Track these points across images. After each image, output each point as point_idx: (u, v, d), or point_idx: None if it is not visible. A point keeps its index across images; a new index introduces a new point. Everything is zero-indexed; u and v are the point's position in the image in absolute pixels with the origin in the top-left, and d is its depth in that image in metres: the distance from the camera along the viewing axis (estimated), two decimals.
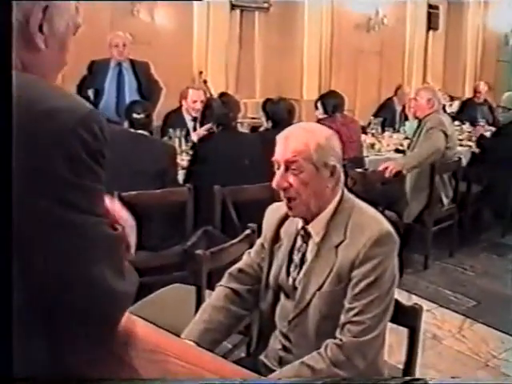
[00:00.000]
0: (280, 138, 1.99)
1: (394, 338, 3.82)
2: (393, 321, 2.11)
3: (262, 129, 4.93)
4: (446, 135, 4.85)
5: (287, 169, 1.92)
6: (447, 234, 5.24)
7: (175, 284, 3.31)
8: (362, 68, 8.91)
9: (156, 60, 6.78)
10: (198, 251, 2.71)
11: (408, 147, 5.16)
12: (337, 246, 1.93)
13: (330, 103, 5.16)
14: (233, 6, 7.84)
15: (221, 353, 2.81)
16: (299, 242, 2.05)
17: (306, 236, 2.03)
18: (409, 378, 2.35)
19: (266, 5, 8.10)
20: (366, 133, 6.33)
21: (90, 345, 1.00)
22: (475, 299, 4.41)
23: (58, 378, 0.95)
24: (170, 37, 7.39)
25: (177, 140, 5.24)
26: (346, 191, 2.04)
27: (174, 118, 5.86)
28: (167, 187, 3.99)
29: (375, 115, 7.01)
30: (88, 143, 0.99)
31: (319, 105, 5.22)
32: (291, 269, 2.06)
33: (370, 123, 6.52)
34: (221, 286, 2.23)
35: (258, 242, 2.24)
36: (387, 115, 7.11)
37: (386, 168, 4.74)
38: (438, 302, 4.38)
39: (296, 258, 2.05)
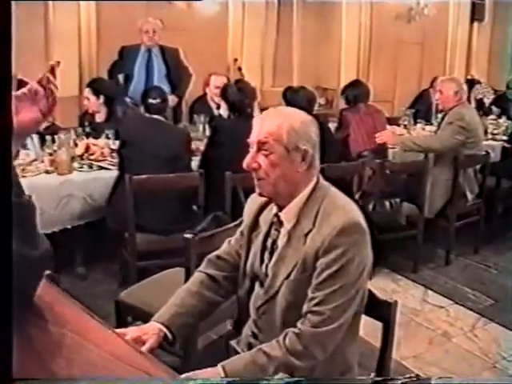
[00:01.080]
0: (257, 119, 1.97)
1: (402, 333, 3.80)
2: (367, 314, 2.05)
3: None
4: (464, 129, 4.70)
5: (259, 149, 1.89)
6: (473, 229, 5.09)
7: (177, 268, 3.30)
8: (402, 59, 8.73)
9: (191, 47, 6.79)
10: (187, 235, 2.70)
11: None
12: (306, 235, 1.88)
13: (353, 93, 5.07)
14: None
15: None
16: (272, 229, 2.01)
17: (279, 223, 1.99)
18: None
19: None
20: (398, 124, 6.23)
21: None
22: (493, 298, 4.27)
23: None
24: (205, 23, 7.38)
25: (201, 126, 5.24)
26: (321, 179, 1.98)
27: (199, 105, 5.87)
28: (179, 172, 3.99)
29: (411, 106, 6.88)
30: None
31: (344, 95, 5.14)
32: (265, 256, 2.02)
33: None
34: (198, 271, 2.21)
35: (239, 230, 2.21)
36: (422, 107, 6.97)
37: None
38: (454, 298, 4.27)
39: (269, 245, 2.01)
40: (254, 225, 2.09)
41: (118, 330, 1.85)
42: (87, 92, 5.07)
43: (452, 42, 9.23)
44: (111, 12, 6.60)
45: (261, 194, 1.98)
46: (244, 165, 1.92)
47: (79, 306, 1.21)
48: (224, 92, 4.47)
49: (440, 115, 5.98)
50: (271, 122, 1.90)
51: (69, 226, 4.17)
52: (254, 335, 2.05)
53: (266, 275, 1.98)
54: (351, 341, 1.98)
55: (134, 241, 3.88)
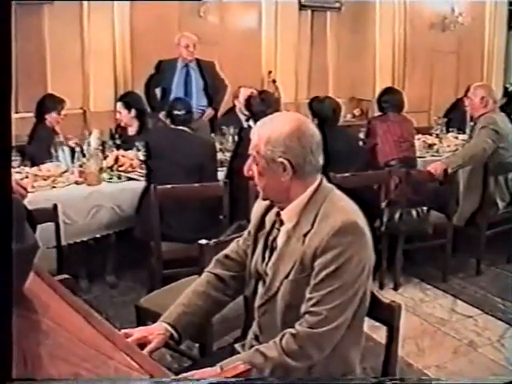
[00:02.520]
0: (253, 130, 2.02)
1: (427, 342, 3.77)
2: (371, 317, 2.05)
3: None
4: (498, 134, 4.65)
5: (253, 159, 1.95)
6: (505, 238, 5.00)
7: (195, 275, 3.35)
8: (438, 68, 8.65)
9: (224, 60, 6.90)
10: (202, 241, 2.75)
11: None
12: (305, 235, 1.91)
13: (384, 101, 5.06)
14: (303, 6, 7.84)
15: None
16: (274, 228, 2.05)
17: (280, 222, 2.02)
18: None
19: (337, 4, 8.05)
20: (430, 134, 6.19)
21: None
22: None
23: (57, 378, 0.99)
24: (238, 37, 7.48)
25: (230, 138, 5.31)
26: (324, 181, 2.01)
27: (229, 117, 5.94)
28: (205, 182, 4.05)
29: (446, 115, 6.82)
30: None
31: (378, 104, 5.14)
32: (266, 255, 2.06)
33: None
34: (206, 271, 2.26)
35: (247, 230, 2.25)
36: (457, 116, 6.87)
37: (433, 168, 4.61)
38: (483, 308, 4.20)
39: (269, 243, 2.05)
40: (261, 224, 2.13)
41: (124, 330, 1.92)
42: (119, 106, 5.20)
43: (489, 50, 9.11)
44: (145, 27, 6.74)
45: (263, 198, 2.04)
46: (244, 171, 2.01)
47: (69, 298, 1.26)
48: (248, 103, 4.54)
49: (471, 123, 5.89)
50: (256, 135, 1.95)
51: (98, 236, 4.28)
52: (256, 337, 2.08)
53: (267, 274, 2.02)
54: (353, 343, 1.98)
55: (159, 249, 3.96)
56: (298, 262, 1.90)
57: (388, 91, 5.35)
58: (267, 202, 2.11)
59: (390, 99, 5.09)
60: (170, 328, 2.03)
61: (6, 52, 0.83)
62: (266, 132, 1.92)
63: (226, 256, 2.25)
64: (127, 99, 5.24)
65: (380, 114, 5.05)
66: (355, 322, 1.93)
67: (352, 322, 1.90)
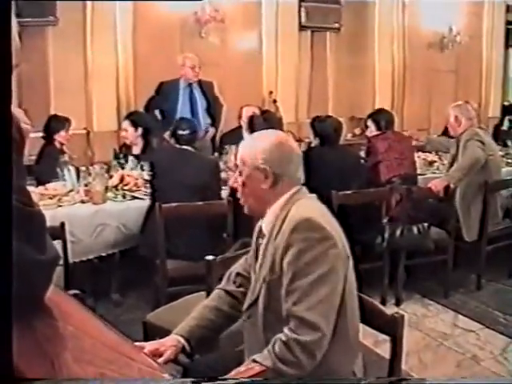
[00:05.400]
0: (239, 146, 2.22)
1: (430, 356, 3.81)
2: (375, 328, 2.11)
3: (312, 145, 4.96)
4: (483, 144, 4.83)
5: (239, 172, 2.11)
6: (506, 254, 5.06)
7: (201, 292, 3.40)
8: (437, 87, 8.77)
9: (226, 81, 6.98)
10: (208, 257, 2.81)
11: (450, 165, 5.03)
12: (275, 238, 2.00)
13: (382, 120, 5.14)
14: (303, 27, 7.95)
15: None
16: (259, 239, 2.16)
17: (261, 232, 2.15)
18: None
19: (336, 25, 8.17)
20: (430, 152, 6.27)
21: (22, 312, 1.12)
22: None
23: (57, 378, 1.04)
24: (239, 57, 7.59)
25: (232, 157, 5.36)
26: (303, 191, 2.11)
27: (233, 136, 6.00)
28: (209, 200, 4.11)
29: (442, 134, 6.90)
30: None
31: (370, 123, 5.20)
32: (256, 264, 2.14)
33: None
34: (217, 288, 2.34)
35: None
36: None
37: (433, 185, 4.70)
38: (485, 323, 4.25)
39: (257, 253, 2.15)
40: (259, 235, 2.21)
41: (137, 343, 1.97)
42: (126, 124, 5.25)
43: (487, 68, 9.24)
44: (147, 48, 6.85)
45: (247, 213, 2.17)
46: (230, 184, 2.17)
47: (84, 309, 1.32)
48: (250, 122, 4.61)
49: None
50: (243, 148, 2.15)
51: (103, 254, 4.33)
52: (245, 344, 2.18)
53: (252, 281, 2.13)
54: (343, 351, 2.02)
55: (164, 267, 4.00)
56: (270, 264, 1.99)
57: (381, 111, 5.47)
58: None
59: (386, 119, 5.18)
60: (182, 340, 2.10)
61: (6, 52, 0.88)
62: (250, 144, 2.13)
63: (236, 273, 2.34)
64: (134, 118, 5.30)
65: (378, 132, 5.12)
66: (341, 323, 1.97)
67: (337, 323, 1.95)
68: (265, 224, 2.10)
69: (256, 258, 2.14)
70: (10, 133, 0.88)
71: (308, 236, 1.92)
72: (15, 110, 1.34)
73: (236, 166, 2.15)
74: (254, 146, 2.10)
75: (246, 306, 2.13)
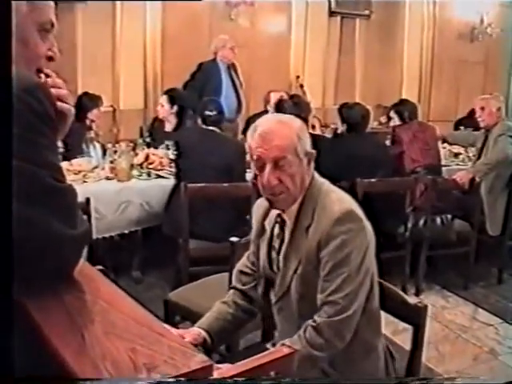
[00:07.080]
0: (259, 135, 1.93)
1: (448, 348, 3.79)
2: (397, 317, 2.11)
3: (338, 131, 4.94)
4: None
5: (275, 166, 1.92)
6: None
7: (223, 273, 3.41)
8: (465, 78, 8.69)
9: (253, 63, 6.97)
10: (233, 239, 2.82)
11: (477, 158, 4.99)
12: (307, 229, 1.97)
13: (406, 110, 5.11)
14: (332, 13, 7.90)
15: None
16: (277, 229, 2.11)
17: (282, 222, 2.08)
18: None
19: (367, 12, 8.11)
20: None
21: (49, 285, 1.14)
22: None
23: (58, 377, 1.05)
24: (267, 41, 7.56)
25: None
26: (316, 176, 2.06)
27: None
28: (234, 182, 4.12)
29: (463, 124, 6.83)
30: (33, 106, 1.13)
31: (393, 114, 5.18)
32: (273, 256, 2.12)
33: None
34: (230, 287, 2.35)
35: (251, 240, 2.30)
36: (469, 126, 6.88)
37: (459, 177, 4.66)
38: (505, 317, 4.22)
39: (276, 245, 2.11)
40: (261, 230, 2.19)
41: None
42: (163, 99, 5.25)
43: None
44: (176, 28, 6.84)
45: (278, 209, 2.05)
46: (264, 183, 1.94)
47: (114, 285, 1.34)
48: (279, 107, 4.58)
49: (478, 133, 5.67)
50: (280, 137, 1.92)
51: (126, 231, 4.36)
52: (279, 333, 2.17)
53: (276, 273, 2.10)
54: (371, 326, 2.05)
55: (187, 247, 4.03)
56: (304, 256, 1.97)
57: (405, 102, 5.45)
58: (265, 207, 2.14)
59: (410, 110, 5.16)
60: (203, 333, 2.09)
61: (7, 52, 0.88)
62: (290, 130, 1.94)
63: (240, 271, 2.32)
64: (173, 94, 5.28)
65: (406, 122, 5.09)
66: (369, 305, 2.01)
67: (366, 305, 1.98)
68: (288, 214, 2.02)
69: (275, 249, 2.10)
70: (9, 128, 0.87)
71: (351, 227, 1.91)
72: (54, 90, 1.35)
73: (259, 158, 1.93)
74: (295, 131, 1.93)
75: (275, 300, 2.11)
